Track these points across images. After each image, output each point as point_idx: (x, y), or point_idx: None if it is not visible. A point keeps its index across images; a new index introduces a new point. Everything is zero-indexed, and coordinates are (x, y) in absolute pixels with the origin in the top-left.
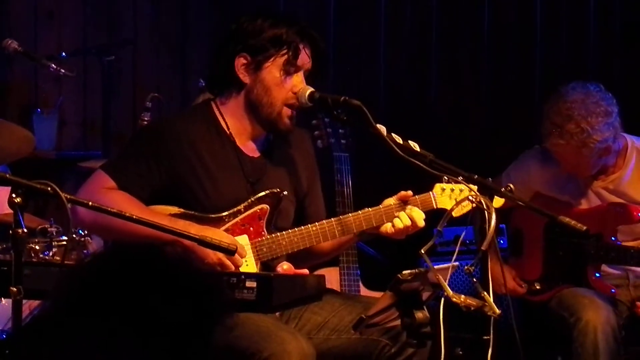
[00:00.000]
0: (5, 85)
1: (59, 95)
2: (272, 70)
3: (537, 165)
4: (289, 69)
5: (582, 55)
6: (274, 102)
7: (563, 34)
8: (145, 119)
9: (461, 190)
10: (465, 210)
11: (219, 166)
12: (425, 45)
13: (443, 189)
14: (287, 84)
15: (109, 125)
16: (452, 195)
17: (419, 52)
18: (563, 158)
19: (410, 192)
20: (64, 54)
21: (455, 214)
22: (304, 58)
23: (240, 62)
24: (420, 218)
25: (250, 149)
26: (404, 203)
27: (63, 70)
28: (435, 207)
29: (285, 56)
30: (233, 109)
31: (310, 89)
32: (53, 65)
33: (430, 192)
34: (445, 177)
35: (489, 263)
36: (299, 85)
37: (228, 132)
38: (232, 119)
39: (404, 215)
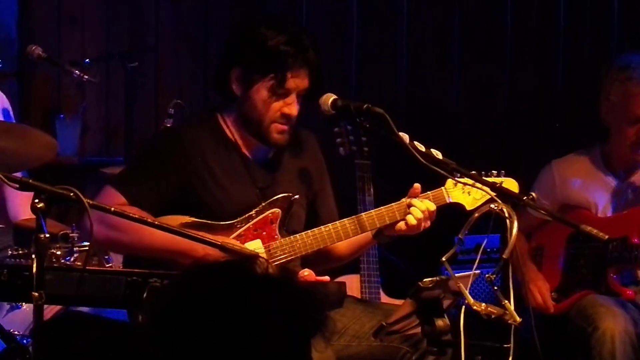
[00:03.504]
0: (29, 91)
1: (82, 101)
2: (261, 90)
3: (559, 175)
4: (278, 91)
5: (605, 59)
6: (260, 120)
7: (586, 39)
8: (168, 125)
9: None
10: (479, 202)
11: (227, 174)
12: (447, 53)
13: (455, 184)
14: (275, 104)
15: (132, 131)
16: (465, 189)
17: (441, 60)
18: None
19: (418, 185)
20: (87, 60)
21: (468, 207)
22: (296, 82)
23: (235, 74)
24: (432, 207)
25: (256, 156)
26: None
27: (86, 76)
28: (447, 201)
29: (273, 80)
30: (233, 118)
31: (333, 97)
32: (76, 71)
33: (443, 187)
34: (457, 174)
35: (530, 275)
36: (289, 109)
37: (233, 139)
38: (234, 128)
39: (415, 210)
